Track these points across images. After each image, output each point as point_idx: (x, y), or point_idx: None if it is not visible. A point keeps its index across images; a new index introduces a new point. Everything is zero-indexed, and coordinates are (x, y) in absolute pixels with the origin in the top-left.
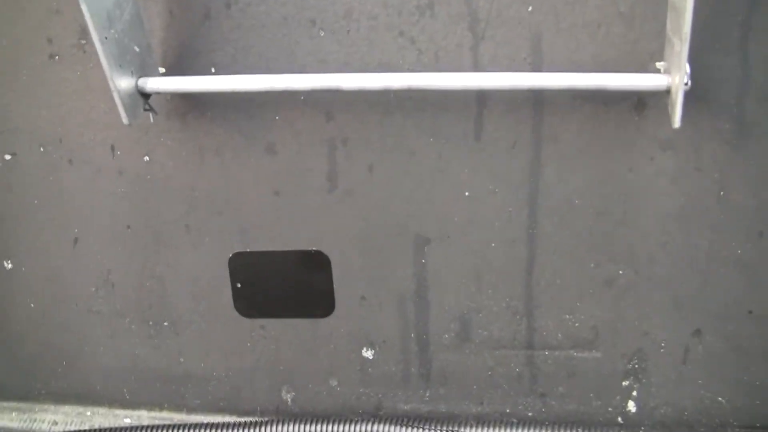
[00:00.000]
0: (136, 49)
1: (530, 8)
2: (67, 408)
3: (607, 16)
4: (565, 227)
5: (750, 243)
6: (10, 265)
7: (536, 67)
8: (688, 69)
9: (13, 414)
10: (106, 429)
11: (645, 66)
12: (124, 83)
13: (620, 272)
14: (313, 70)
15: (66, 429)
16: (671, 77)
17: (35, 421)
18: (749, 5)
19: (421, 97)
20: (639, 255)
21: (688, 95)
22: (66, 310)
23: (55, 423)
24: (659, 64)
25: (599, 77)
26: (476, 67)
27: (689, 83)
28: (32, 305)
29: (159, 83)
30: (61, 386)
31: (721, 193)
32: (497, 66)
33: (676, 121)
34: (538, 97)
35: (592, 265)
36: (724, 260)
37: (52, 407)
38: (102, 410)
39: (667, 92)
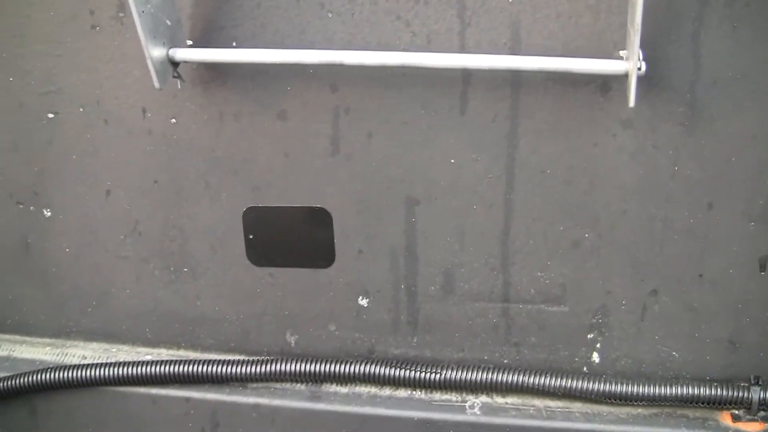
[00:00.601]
0: (168, 22)
1: (511, 0)
2: (94, 345)
3: (577, 9)
4: (537, 194)
5: (700, 213)
6: (49, 213)
7: (515, 51)
8: (641, 55)
9: (47, 349)
10: (130, 362)
11: (610, 53)
12: (156, 52)
13: (586, 236)
14: (320, 47)
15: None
16: (629, 63)
17: (66, 355)
18: (700, 3)
19: (414, 74)
20: (602, 221)
21: (645, 81)
22: (96, 255)
23: (84, 357)
24: (622, 52)
25: (569, 61)
26: (463, 49)
27: (643, 68)
28: (67, 250)
29: (187, 53)
30: (89, 325)
31: (675, 168)
32: (481, 49)
33: (632, 101)
34: (515, 78)
35: (561, 228)
36: (677, 228)
37: (82, 343)
38: (126, 347)
39: (626, 76)
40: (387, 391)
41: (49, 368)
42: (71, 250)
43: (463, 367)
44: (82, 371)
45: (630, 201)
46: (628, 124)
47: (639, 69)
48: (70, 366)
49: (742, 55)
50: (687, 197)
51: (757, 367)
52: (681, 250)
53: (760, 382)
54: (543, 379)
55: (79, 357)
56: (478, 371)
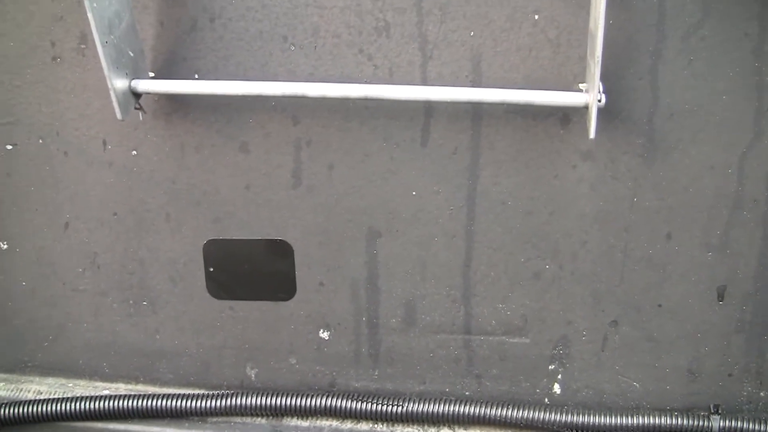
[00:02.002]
0: (131, 53)
1: (472, 33)
2: (50, 380)
3: (537, 42)
4: (499, 225)
5: (659, 244)
6: (5, 246)
7: (476, 84)
8: (601, 88)
9: (1, 384)
10: (87, 397)
11: (570, 86)
12: (119, 83)
13: (547, 266)
14: (283, 79)
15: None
16: (588, 95)
17: (21, 390)
18: (658, 37)
19: (376, 107)
20: (563, 252)
21: (605, 113)
22: (54, 289)
23: (40, 393)
24: (582, 85)
25: (529, 94)
26: (424, 82)
27: (602, 100)
28: (23, 283)
29: (149, 85)
30: (46, 359)
31: (635, 199)
32: (442, 82)
33: (592, 132)
34: (477, 110)
35: (522, 259)
36: (637, 259)
37: (37, 378)
38: (83, 382)
39: (586, 108)
40: (349, 424)
41: (3, 404)
42: (28, 283)
43: (425, 400)
44: (37, 407)
45: (590, 231)
46: (588, 155)
47: (599, 101)
48: (26, 401)
49: (698, 87)
50: (646, 227)
51: (716, 395)
52: (641, 280)
53: (720, 411)
54: (505, 410)
55: (34, 392)
56: (440, 404)
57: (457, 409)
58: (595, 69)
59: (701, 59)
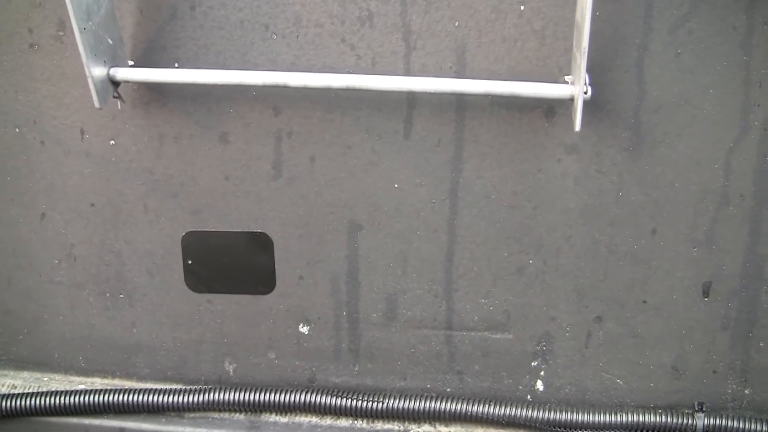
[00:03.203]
0: (110, 41)
1: (456, 23)
2: (25, 374)
3: (523, 33)
4: (482, 219)
5: (644, 239)
6: None
7: (460, 75)
8: (587, 80)
9: None
10: (63, 392)
11: (555, 78)
12: (97, 71)
13: (530, 261)
14: (264, 69)
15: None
16: (574, 87)
17: None
18: (644, 30)
19: (358, 97)
20: (547, 246)
21: (591, 106)
22: (29, 280)
23: (14, 387)
24: (567, 77)
25: (514, 85)
26: (408, 72)
27: (589, 92)
28: None
29: (128, 73)
30: (20, 353)
31: (620, 193)
32: (426, 72)
33: (577, 125)
34: (461, 102)
35: (506, 254)
36: (621, 254)
37: (12, 372)
38: (58, 376)
39: (572, 101)
40: (328, 421)
41: None
42: (3, 274)
43: (406, 396)
44: (12, 401)
45: (574, 226)
46: (573, 149)
47: (585, 93)
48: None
49: (685, 81)
50: (631, 222)
51: (701, 393)
52: (625, 276)
53: (704, 409)
54: (487, 407)
55: (8, 386)
56: (420, 400)
57: (438, 406)
58: (582, 61)
59: (688, 52)
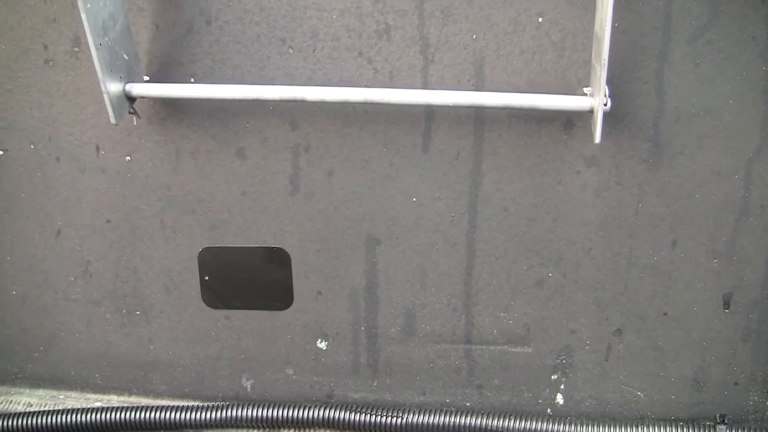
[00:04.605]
0: (125, 56)
1: (474, 36)
2: (41, 391)
3: (541, 46)
4: (501, 232)
5: (665, 251)
6: None
7: (479, 88)
8: (607, 91)
9: None
10: (79, 409)
11: (574, 90)
12: (113, 87)
13: (550, 275)
14: (281, 83)
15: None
16: (594, 99)
17: (11, 403)
18: (664, 40)
19: (376, 111)
20: (566, 259)
21: (610, 118)
22: (45, 297)
23: (30, 405)
24: (586, 89)
25: (534, 98)
26: (426, 86)
27: (608, 104)
28: (14, 292)
29: (144, 89)
30: (36, 370)
31: (639, 205)
32: (444, 86)
33: (597, 137)
34: (479, 115)
35: (525, 267)
36: (642, 266)
37: (27, 390)
38: (74, 394)
39: (591, 113)
40: None
41: None
42: (18, 292)
43: (425, 411)
44: (27, 419)
45: (594, 238)
46: (592, 161)
47: (605, 105)
48: (15, 414)
49: (704, 91)
50: (651, 234)
51: (722, 405)
52: (645, 288)
53: (726, 421)
54: (506, 421)
55: (24, 404)
56: (440, 415)
57: (457, 421)
58: (602, 72)
59: (708, 63)
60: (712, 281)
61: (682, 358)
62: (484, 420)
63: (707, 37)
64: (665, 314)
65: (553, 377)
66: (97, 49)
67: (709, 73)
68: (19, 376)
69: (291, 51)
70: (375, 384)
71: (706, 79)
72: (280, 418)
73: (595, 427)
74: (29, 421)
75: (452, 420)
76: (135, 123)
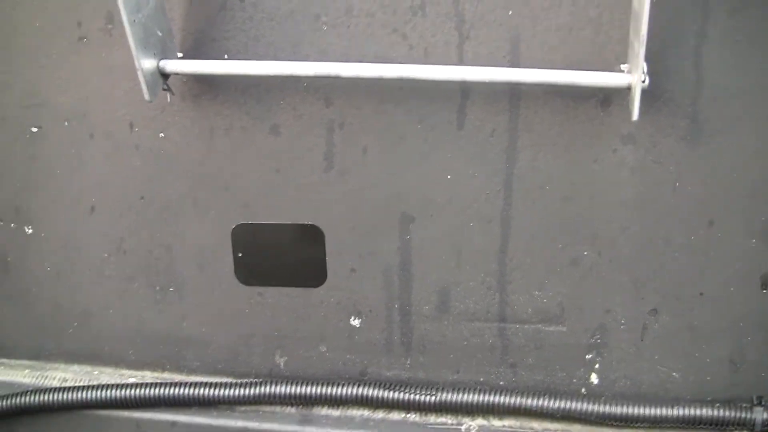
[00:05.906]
0: (159, 33)
1: (510, 12)
2: (76, 367)
3: (578, 21)
4: (536, 210)
5: (702, 230)
6: (30, 230)
7: (514, 65)
8: (645, 68)
9: (26, 371)
10: (113, 385)
11: (611, 67)
12: (147, 64)
13: (585, 253)
14: (315, 59)
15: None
16: (632, 76)
17: (46, 378)
18: (703, 15)
19: (410, 88)
20: (602, 238)
21: (647, 95)
22: (79, 274)
23: (65, 380)
24: (623, 66)
25: (569, 74)
26: (461, 62)
27: (647, 81)
28: (48, 268)
29: (178, 65)
30: (71, 346)
31: (677, 184)
32: (479, 62)
33: (635, 114)
34: (515, 91)
35: (560, 246)
36: (678, 246)
37: (62, 366)
38: (108, 370)
39: (629, 90)
40: (380, 414)
41: (28, 391)
42: (52, 268)
43: (459, 389)
44: (63, 394)
45: (630, 217)
46: (629, 138)
47: (643, 82)
48: (51, 389)
49: (744, 68)
50: (688, 214)
51: (759, 386)
52: (681, 268)
53: (763, 403)
54: (541, 400)
55: (59, 380)
56: (474, 393)
57: (492, 399)
58: (640, 49)
59: (748, 39)
60: (750, 261)
61: (719, 339)
62: (519, 399)
63: (748, 12)
64: (701, 294)
65: (587, 357)
66: (131, 26)
67: (750, 50)
68: (54, 351)
69: (325, 27)
70: (408, 362)
71: (746, 56)
72: (314, 395)
73: (630, 407)
74: (64, 396)
75: (486, 398)
76: (169, 100)
